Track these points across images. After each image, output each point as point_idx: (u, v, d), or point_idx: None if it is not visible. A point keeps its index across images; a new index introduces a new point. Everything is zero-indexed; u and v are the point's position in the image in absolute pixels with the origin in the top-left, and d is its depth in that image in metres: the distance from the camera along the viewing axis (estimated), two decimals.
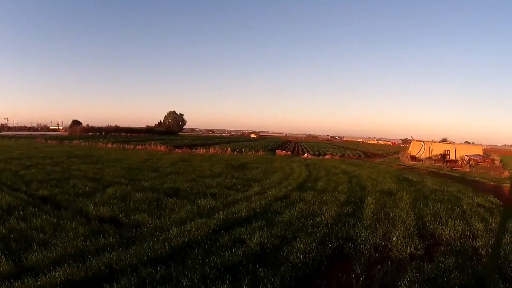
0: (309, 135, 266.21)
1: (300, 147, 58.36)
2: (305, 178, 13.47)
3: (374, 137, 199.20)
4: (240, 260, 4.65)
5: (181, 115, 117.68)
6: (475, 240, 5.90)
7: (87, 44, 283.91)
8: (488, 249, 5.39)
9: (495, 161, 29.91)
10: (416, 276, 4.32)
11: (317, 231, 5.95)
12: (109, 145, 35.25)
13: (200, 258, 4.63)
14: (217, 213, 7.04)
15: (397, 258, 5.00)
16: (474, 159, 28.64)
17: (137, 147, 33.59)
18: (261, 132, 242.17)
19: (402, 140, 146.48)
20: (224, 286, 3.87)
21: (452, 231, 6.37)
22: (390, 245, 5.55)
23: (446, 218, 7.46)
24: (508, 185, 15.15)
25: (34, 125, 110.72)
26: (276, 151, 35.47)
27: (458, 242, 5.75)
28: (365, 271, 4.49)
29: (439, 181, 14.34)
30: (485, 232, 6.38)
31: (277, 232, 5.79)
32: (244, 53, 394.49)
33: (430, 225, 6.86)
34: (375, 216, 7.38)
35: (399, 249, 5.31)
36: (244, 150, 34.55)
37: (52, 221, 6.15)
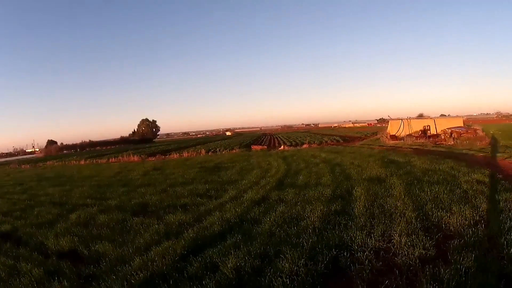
0: (284, 125, 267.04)
1: (276, 139, 57.77)
2: (284, 173, 12.47)
3: (350, 121, 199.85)
4: None
5: (154, 121, 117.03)
6: (488, 227, 5.04)
7: (50, 60, 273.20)
8: (507, 237, 4.52)
9: (478, 131, 29.73)
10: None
11: (304, 240, 4.90)
12: (82, 162, 33.59)
13: None
14: (187, 231, 5.91)
15: (405, 264, 4.04)
16: (456, 132, 28.33)
17: (110, 160, 32.20)
18: (236, 129, 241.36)
19: (377, 120, 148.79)
20: None
21: (459, 218, 5.47)
22: (393, 247, 4.58)
23: (449, 202, 6.50)
24: (501, 155, 14.65)
25: (11, 150, 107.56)
26: (252, 147, 34.59)
27: (470, 231, 4.83)
28: None
29: (427, 159, 13.54)
30: (496, 214, 5.54)
31: (257, 249, 4.72)
32: (211, 51, 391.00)
33: (433, 213, 5.90)
34: (368, 211, 6.37)
35: (405, 251, 4.34)
36: (219, 150, 33.53)
37: (10, 263, 5.36)
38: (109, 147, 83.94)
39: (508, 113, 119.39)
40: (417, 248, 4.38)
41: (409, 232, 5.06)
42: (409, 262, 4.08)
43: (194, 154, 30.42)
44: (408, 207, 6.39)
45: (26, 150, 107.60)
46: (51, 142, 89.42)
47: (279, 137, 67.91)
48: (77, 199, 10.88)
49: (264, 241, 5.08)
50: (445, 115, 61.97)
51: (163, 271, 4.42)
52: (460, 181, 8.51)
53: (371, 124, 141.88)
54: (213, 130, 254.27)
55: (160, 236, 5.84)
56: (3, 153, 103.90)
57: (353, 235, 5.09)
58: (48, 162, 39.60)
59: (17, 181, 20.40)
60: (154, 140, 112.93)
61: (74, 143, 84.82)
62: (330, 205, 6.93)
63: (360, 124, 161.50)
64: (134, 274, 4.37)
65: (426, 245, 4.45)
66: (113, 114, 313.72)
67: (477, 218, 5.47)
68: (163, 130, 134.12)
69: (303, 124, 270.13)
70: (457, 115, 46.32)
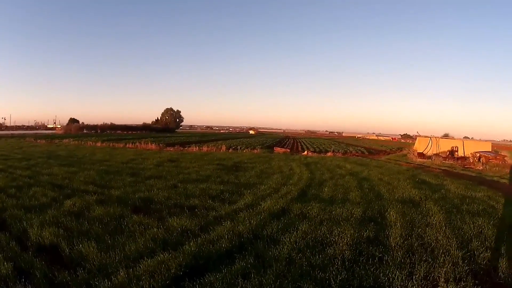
0: (308, 130, 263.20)
1: (299, 144, 56.48)
2: (307, 183, 11.38)
3: (373, 133, 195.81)
4: None
5: (178, 111, 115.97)
6: None
7: (85, 43, 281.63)
8: None
9: (506, 158, 27.81)
10: None
11: (331, 277, 3.90)
12: (98, 144, 33.48)
13: None
14: (189, 242, 5.00)
15: None
16: (485, 156, 26.53)
17: (127, 145, 31.70)
18: (260, 128, 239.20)
19: (401, 135, 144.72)
20: None
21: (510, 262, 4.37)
22: None
23: (495, 241, 5.41)
24: None
25: (32, 123, 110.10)
26: (274, 149, 33.42)
27: None
28: None
29: (460, 184, 12.23)
30: None
31: (271, 283, 3.74)
32: (243, 50, 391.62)
33: (480, 254, 4.83)
34: (405, 242, 5.28)
35: None
36: (240, 148, 32.59)
37: None
38: (130, 132, 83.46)
39: None
40: None
41: (457, 276, 4.07)
42: None
43: (214, 150, 29.61)
44: (451, 243, 5.29)
45: (48, 126, 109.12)
46: (72, 120, 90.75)
47: (303, 142, 66.61)
48: (79, 184, 10.23)
49: (281, 270, 4.08)
50: (468, 138, 59.08)
51: None
52: (503, 215, 7.32)
53: (395, 138, 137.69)
54: (237, 127, 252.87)
55: (156, 245, 4.95)
56: (24, 125, 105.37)
57: (390, 274, 4.07)
58: (64, 140, 39.80)
59: (26, 155, 20.19)
60: (176, 130, 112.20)
61: (95, 124, 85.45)
62: (361, 229, 5.84)
63: (384, 137, 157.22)
64: None
65: None
66: (139, 100, 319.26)
67: None
68: (186, 121, 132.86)
69: (326, 131, 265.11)
70: (480, 139, 43.93)
